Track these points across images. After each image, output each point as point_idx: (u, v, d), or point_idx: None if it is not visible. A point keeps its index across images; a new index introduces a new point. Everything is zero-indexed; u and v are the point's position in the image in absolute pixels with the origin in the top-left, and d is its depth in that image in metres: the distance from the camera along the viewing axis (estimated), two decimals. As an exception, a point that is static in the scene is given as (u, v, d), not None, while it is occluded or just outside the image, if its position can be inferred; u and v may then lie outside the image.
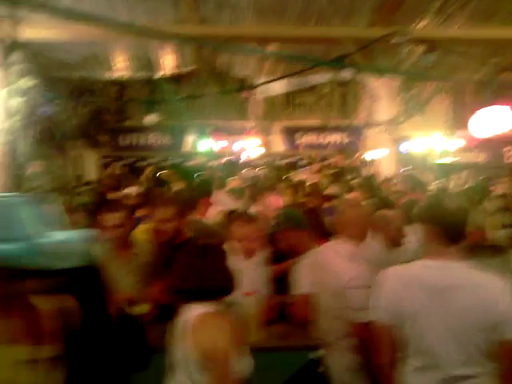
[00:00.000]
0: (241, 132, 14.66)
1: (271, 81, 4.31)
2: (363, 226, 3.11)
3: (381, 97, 5.90)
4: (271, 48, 4.22)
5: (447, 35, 3.91)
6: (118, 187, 6.93)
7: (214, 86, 4.45)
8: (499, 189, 8.48)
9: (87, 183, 7.20)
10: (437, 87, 4.92)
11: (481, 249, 6.34)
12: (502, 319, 2.02)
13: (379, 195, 6.55)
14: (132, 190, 6.96)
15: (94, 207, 4.47)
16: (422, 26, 3.91)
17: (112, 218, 3.55)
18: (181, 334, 2.24)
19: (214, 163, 15.83)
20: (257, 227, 3.83)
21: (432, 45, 3.70)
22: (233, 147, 14.90)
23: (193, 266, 2.40)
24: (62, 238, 1.37)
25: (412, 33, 3.67)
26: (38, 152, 3.11)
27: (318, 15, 3.68)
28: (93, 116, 4.15)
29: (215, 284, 2.42)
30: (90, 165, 14.90)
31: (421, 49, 3.80)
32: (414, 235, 3.72)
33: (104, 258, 3.55)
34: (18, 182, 3.37)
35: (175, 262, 2.58)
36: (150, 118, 3.94)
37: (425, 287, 2.18)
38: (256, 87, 3.99)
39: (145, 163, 13.86)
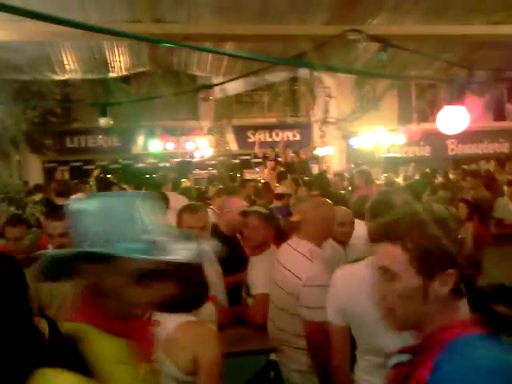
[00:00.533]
0: (193, 132, 14.51)
1: (229, 80, 4.26)
2: (326, 226, 3.10)
3: (335, 94, 5.99)
4: (229, 47, 4.16)
5: (401, 32, 3.98)
6: (66, 193, 6.67)
7: (169, 87, 4.37)
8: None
9: (37, 188, 6.89)
10: (389, 84, 5.02)
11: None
12: None
13: (330, 191, 6.63)
14: (80, 196, 6.75)
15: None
16: (377, 23, 3.96)
17: (57, 227, 3.38)
18: (164, 345, 2.17)
19: (166, 164, 15.66)
20: (202, 217, 3.78)
21: (386, 42, 3.74)
22: (185, 147, 14.74)
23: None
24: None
25: (367, 30, 3.69)
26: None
27: (275, 14, 3.66)
28: (40, 119, 3.95)
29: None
30: (35, 170, 14.36)
31: (375, 46, 3.83)
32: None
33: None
34: None
35: None
36: (105, 121, 3.80)
37: (368, 287, 2.20)
38: (212, 87, 3.91)
39: (93, 166, 13.49)
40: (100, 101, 4.49)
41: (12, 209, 3.13)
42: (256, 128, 15.66)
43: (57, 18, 2.43)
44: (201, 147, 14.52)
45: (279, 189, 7.57)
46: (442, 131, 2.99)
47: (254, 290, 3.49)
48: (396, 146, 17.18)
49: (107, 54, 4.07)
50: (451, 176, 10.56)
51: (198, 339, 2.19)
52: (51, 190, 6.81)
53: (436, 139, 15.43)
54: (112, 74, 4.26)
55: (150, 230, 1.24)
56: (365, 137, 13.71)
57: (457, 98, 2.55)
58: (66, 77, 4.33)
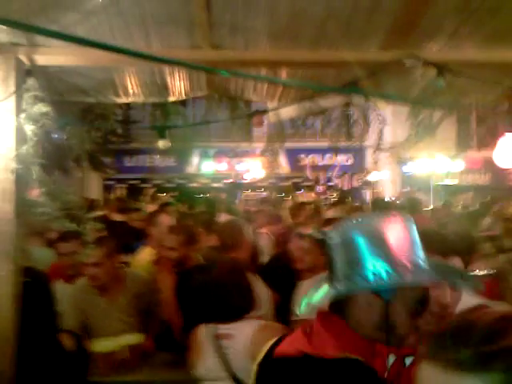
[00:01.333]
0: (244, 153, 14.72)
1: (283, 106, 4.33)
2: None
3: (389, 120, 5.92)
4: (284, 73, 4.25)
5: (459, 57, 3.92)
6: (124, 210, 6.92)
7: (224, 111, 4.49)
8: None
9: (94, 204, 7.14)
10: (447, 111, 4.93)
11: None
12: None
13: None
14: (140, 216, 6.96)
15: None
16: (435, 48, 3.92)
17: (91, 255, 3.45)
18: (243, 352, 2.27)
19: (219, 185, 15.93)
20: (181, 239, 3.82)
21: (444, 68, 3.70)
22: (237, 169, 14.98)
23: (240, 286, 2.45)
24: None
25: (424, 55, 3.66)
26: (47, 178, 3.09)
27: (330, 40, 3.70)
28: (102, 139, 4.16)
29: (249, 301, 2.47)
30: (94, 187, 14.96)
31: (432, 72, 3.79)
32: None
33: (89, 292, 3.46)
34: (27, 209, 3.36)
35: (206, 283, 2.59)
36: (163, 143, 3.95)
37: None
38: (266, 113, 3.99)
39: (149, 185, 13.91)
40: (158, 123, 4.67)
41: (73, 225, 3.28)
42: (308, 151, 15.72)
43: (119, 48, 2.58)
44: (252, 169, 14.72)
45: (329, 213, 7.54)
46: (497, 164, 2.91)
47: (298, 315, 3.48)
48: (454, 173, 16.72)
49: (168, 78, 4.24)
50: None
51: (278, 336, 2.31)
52: (112, 206, 7.08)
53: (497, 167, 14.85)
54: (171, 98, 4.44)
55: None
56: (420, 162, 13.43)
57: None
58: (129, 100, 4.55)
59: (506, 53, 3.85)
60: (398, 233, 1.21)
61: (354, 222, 1.28)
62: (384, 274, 1.16)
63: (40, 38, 3.50)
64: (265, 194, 15.66)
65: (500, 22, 3.56)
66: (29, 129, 3.40)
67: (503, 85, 4.24)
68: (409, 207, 7.94)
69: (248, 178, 15.33)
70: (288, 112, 4.82)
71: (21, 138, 3.35)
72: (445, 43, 3.86)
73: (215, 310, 2.47)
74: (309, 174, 14.89)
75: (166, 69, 4.10)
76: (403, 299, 1.20)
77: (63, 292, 3.55)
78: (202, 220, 4.62)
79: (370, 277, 1.17)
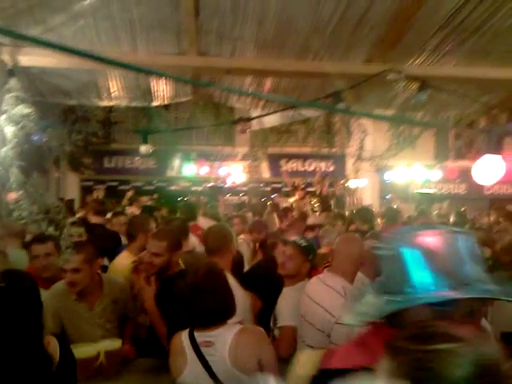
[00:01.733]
0: (226, 158, 14.71)
1: (266, 114, 4.36)
2: (358, 263, 3.12)
3: (370, 130, 6.02)
4: (268, 81, 4.27)
5: (440, 73, 4.00)
6: (102, 212, 6.82)
7: (208, 116, 4.50)
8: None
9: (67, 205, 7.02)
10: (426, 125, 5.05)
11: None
12: None
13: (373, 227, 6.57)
14: (121, 220, 6.91)
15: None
16: (417, 63, 3.99)
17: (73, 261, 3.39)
18: (225, 357, 2.29)
19: (199, 188, 15.85)
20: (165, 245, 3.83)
21: (426, 82, 3.77)
22: (218, 172, 14.94)
23: (217, 291, 2.46)
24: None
25: (406, 70, 3.73)
26: (26, 180, 3.06)
27: (316, 51, 3.74)
28: (83, 141, 4.12)
29: (228, 306, 2.49)
30: (71, 187, 14.75)
31: (415, 86, 3.86)
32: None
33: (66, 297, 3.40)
34: (7, 212, 3.31)
35: (189, 289, 2.59)
36: (145, 148, 3.93)
37: None
38: (250, 120, 4.01)
39: (128, 187, 13.77)
40: (141, 126, 4.65)
41: (50, 229, 3.24)
42: (290, 157, 15.77)
43: (95, 56, 2.59)
44: (234, 173, 14.70)
45: (311, 219, 7.56)
46: (477, 181, 2.98)
47: (280, 322, 3.49)
48: (431, 182, 16.97)
49: (152, 83, 4.23)
50: (491, 217, 10.33)
51: (258, 342, 2.33)
52: (89, 209, 6.99)
53: (472, 177, 15.09)
54: (155, 103, 4.42)
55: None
56: (399, 171, 13.61)
57: (494, 147, 2.55)
58: (112, 103, 4.52)
59: (485, 70, 3.95)
60: (449, 247, 1.24)
61: (405, 233, 1.30)
62: (435, 287, 1.18)
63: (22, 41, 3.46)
64: (245, 198, 15.67)
65: (480, 41, 3.64)
66: (9, 130, 3.35)
67: (481, 101, 4.34)
68: (388, 216, 8.01)
69: (229, 182, 15.31)
70: (271, 120, 4.86)
71: (0, 139, 3.30)
72: (426, 59, 3.94)
73: (194, 315, 2.47)
74: (285, 179, 14.94)
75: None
76: (454, 312, 1.22)
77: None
78: (179, 225, 4.59)
79: (422, 290, 1.19)
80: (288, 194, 14.95)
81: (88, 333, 3.43)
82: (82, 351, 3.17)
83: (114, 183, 15.01)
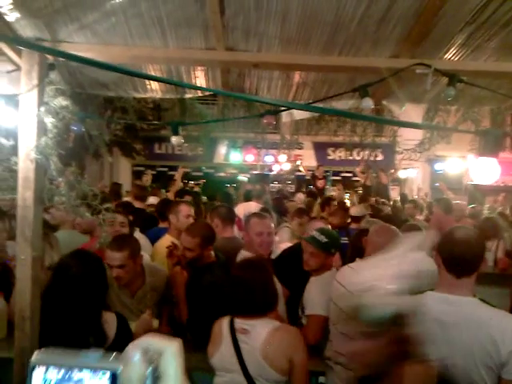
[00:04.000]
0: (273, 146, 14.81)
1: (294, 108, 4.43)
2: None
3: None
4: (296, 75, 4.35)
5: (471, 68, 3.94)
6: (143, 197, 7.12)
7: (240, 108, 4.63)
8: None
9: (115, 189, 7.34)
10: (462, 117, 4.95)
11: (510, 278, 6.27)
12: (508, 359, 2.04)
13: (397, 218, 6.53)
14: (154, 200, 7.19)
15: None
16: (446, 58, 3.95)
17: (115, 258, 3.61)
18: (257, 349, 2.47)
19: (245, 175, 16.07)
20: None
21: (455, 77, 3.73)
22: (264, 160, 15.08)
23: (260, 284, 2.63)
24: None
25: (435, 64, 3.70)
26: (65, 168, 3.30)
27: (342, 46, 3.78)
28: (123, 132, 4.35)
29: (273, 299, 2.64)
30: (125, 172, 15.33)
31: (445, 80, 3.83)
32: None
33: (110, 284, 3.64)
34: (49, 197, 3.56)
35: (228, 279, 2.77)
36: (176, 139, 4.12)
37: (432, 321, 2.22)
38: (277, 113, 4.10)
39: (180, 170, 14.14)
40: (177, 118, 4.85)
41: (88, 214, 3.49)
42: (337, 146, 15.67)
43: (116, 68, 2.80)
44: (280, 161, 14.80)
45: (353, 210, 7.58)
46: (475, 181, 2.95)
47: (308, 311, 3.61)
48: (484, 173, 16.35)
49: (184, 76, 4.39)
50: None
51: (291, 342, 2.49)
52: (132, 193, 7.31)
53: (530, 169, 14.56)
54: (188, 95, 4.61)
55: None
56: (451, 161, 13.24)
57: (491, 150, 2.53)
58: (147, 95, 4.74)
59: (516, 65, 3.85)
60: None
61: None
62: None
63: (63, 34, 3.71)
64: (291, 186, 15.75)
65: (508, 36, 3.57)
66: (49, 121, 3.61)
67: (515, 95, 4.24)
68: (443, 206, 7.85)
69: (275, 169, 15.44)
70: (300, 113, 4.92)
71: (41, 129, 3.55)
72: (456, 53, 3.89)
73: (235, 303, 2.61)
74: (304, 170, 14.86)
75: (182, 68, 4.25)
76: None
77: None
78: (220, 212, 4.77)
79: None
80: (335, 184, 14.92)
81: (131, 317, 3.69)
82: None
83: (164, 169, 15.51)
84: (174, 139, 4.19)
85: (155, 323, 3.53)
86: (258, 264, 2.75)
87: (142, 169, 14.91)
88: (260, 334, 2.56)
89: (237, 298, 2.66)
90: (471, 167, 3.06)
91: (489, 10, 3.35)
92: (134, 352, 1.00)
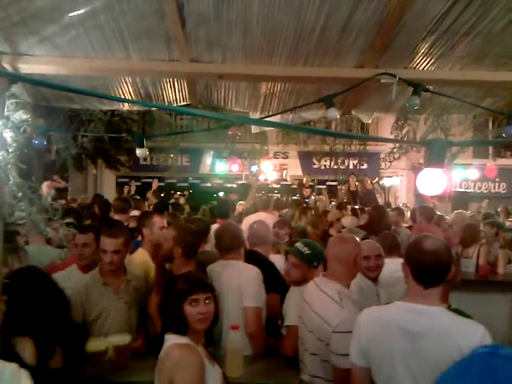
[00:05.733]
0: (258, 155, 14.81)
1: (265, 117, 4.42)
2: (352, 264, 3.05)
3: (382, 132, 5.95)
4: (263, 86, 4.34)
5: (435, 77, 3.95)
6: (124, 210, 7.03)
7: (208, 120, 4.60)
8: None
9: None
10: (431, 125, 4.95)
11: (491, 284, 6.29)
12: None
13: (380, 225, 6.51)
14: (137, 213, 7.09)
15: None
16: (411, 67, 3.95)
17: (111, 244, 3.70)
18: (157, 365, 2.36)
19: (232, 185, 16.07)
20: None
21: (420, 86, 3.73)
22: (250, 170, 15.07)
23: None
24: None
25: (400, 74, 3.70)
26: (25, 183, 3.24)
27: (307, 56, 3.77)
28: (91, 145, 4.30)
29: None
30: (109, 184, 15.26)
31: (411, 90, 3.82)
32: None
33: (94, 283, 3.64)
34: (9, 212, 3.49)
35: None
36: (141, 152, 4.07)
37: (400, 331, 2.19)
38: (242, 124, 4.08)
39: (163, 183, 14.08)
40: (143, 131, 4.81)
41: (48, 230, 3.44)
42: (322, 155, 15.70)
43: (74, 89, 2.75)
44: (265, 171, 14.79)
45: (346, 222, 7.54)
46: (422, 192, 2.95)
47: (286, 321, 3.54)
48: (468, 180, 16.46)
49: (150, 88, 4.36)
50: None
51: (176, 362, 2.28)
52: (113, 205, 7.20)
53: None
54: (154, 108, 4.57)
55: None
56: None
57: (436, 160, 2.51)
58: (114, 108, 4.70)
59: (481, 73, 3.86)
60: None
61: None
62: None
63: (23, 47, 3.67)
64: (277, 195, 15.73)
65: (472, 44, 3.58)
66: (9, 135, 3.56)
67: (483, 104, 4.24)
68: (425, 215, 7.86)
69: (260, 179, 15.42)
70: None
71: (1, 144, 3.49)
72: (420, 63, 3.89)
73: None
74: (290, 179, 14.93)
75: (148, 79, 4.22)
76: None
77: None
78: (198, 226, 4.69)
79: None
80: (320, 192, 14.94)
81: (113, 319, 3.66)
82: (91, 345, 3.34)
83: (149, 180, 15.42)
84: (139, 152, 4.15)
85: (127, 338, 3.47)
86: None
87: (126, 180, 14.84)
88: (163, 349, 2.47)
89: None
90: (418, 179, 3.03)
91: (449, 20, 3.36)
92: None
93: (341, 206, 9.32)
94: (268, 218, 6.26)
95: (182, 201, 12.64)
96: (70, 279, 3.98)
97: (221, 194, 14.68)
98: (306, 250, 3.57)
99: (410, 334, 2.18)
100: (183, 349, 2.30)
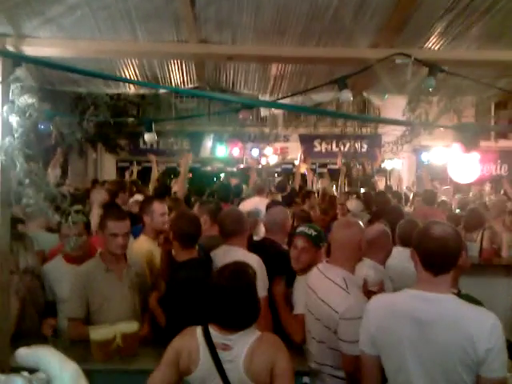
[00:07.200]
0: (259, 139, 14.71)
1: (274, 100, 4.31)
2: (356, 248, 3.01)
3: (387, 115, 5.85)
4: (273, 67, 4.22)
5: (451, 57, 3.84)
6: (116, 194, 6.89)
7: (217, 103, 4.48)
8: None
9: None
10: (444, 107, 4.86)
11: (494, 268, 6.25)
12: (486, 357, 1.97)
13: (388, 209, 6.46)
14: (140, 197, 6.99)
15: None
16: (427, 47, 3.84)
17: (122, 226, 3.64)
18: (239, 364, 2.29)
19: (232, 169, 15.97)
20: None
21: (435, 67, 3.63)
22: (251, 154, 14.98)
23: (248, 297, 2.51)
24: None
25: (415, 54, 3.60)
26: (31, 169, 3.15)
27: (318, 36, 3.65)
28: (96, 129, 4.21)
29: (256, 313, 2.46)
30: (109, 168, 15.14)
31: (426, 70, 3.72)
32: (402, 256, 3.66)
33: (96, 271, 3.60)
34: (17, 199, 3.42)
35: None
36: (149, 136, 3.98)
37: (409, 319, 2.14)
38: (253, 108, 3.98)
39: (163, 167, 13.97)
40: (150, 115, 4.69)
41: (56, 217, 3.35)
42: (323, 138, 15.60)
43: (77, 69, 2.64)
44: (267, 154, 14.69)
45: (350, 205, 7.49)
46: (454, 179, 2.87)
47: (295, 310, 3.51)
48: (465, 171, 16.35)
49: (158, 71, 4.25)
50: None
51: (273, 353, 2.28)
52: (105, 189, 7.10)
53: (514, 158, 14.57)
54: (163, 90, 4.45)
55: None
56: (436, 151, 13.21)
57: (470, 146, 2.43)
58: (120, 91, 4.59)
59: (498, 53, 3.76)
60: None
61: None
62: None
63: (26, 29, 3.54)
64: (279, 179, 15.63)
65: (490, 23, 3.47)
66: (14, 120, 3.45)
67: (498, 85, 4.14)
68: (424, 198, 7.84)
69: (262, 163, 15.31)
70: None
71: (6, 129, 3.40)
72: (436, 42, 3.78)
73: (217, 315, 2.38)
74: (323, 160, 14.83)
75: (155, 62, 4.11)
76: None
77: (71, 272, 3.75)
78: (208, 208, 4.63)
79: None
80: (322, 176, 14.87)
81: (118, 305, 3.61)
82: (99, 333, 3.29)
83: (149, 164, 15.30)
84: (147, 136, 4.05)
85: (135, 326, 3.42)
86: (244, 272, 2.49)
87: (127, 164, 14.71)
88: (242, 348, 2.36)
89: (219, 310, 2.44)
90: (450, 165, 2.94)
91: (468, -3, 3.24)
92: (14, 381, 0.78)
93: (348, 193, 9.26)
94: (262, 202, 6.22)
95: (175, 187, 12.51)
96: (59, 271, 3.93)
97: (222, 176, 14.59)
98: (313, 232, 3.56)
99: (419, 323, 2.15)
100: (275, 339, 2.48)
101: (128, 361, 3.33)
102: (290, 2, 3.25)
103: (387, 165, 15.73)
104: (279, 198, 7.96)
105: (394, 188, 11.75)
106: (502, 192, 11.96)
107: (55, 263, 4.05)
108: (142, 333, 3.56)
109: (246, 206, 6.53)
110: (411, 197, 10.02)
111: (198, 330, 2.41)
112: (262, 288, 3.33)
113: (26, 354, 0.79)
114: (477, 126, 2.64)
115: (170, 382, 2.34)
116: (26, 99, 3.52)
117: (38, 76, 3.94)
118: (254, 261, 3.43)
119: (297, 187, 9.40)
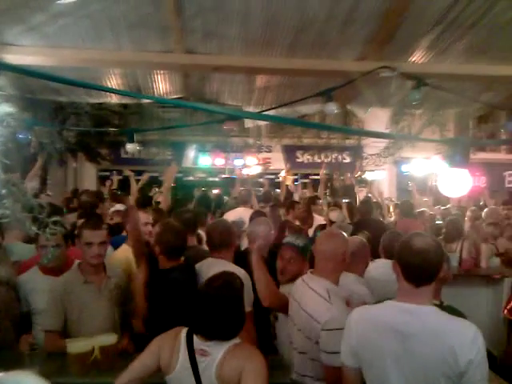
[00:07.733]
0: (241, 149, 14.65)
1: (258, 111, 4.28)
2: (340, 260, 2.96)
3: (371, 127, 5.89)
4: (259, 79, 4.20)
5: (435, 71, 3.86)
6: (95, 205, 6.73)
7: (201, 114, 4.44)
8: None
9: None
10: (427, 121, 4.89)
11: (474, 278, 6.22)
12: (467, 369, 1.95)
13: (371, 219, 6.43)
14: (121, 207, 6.84)
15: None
16: (413, 60, 3.86)
17: (96, 235, 3.50)
18: (213, 371, 2.23)
19: (214, 179, 15.84)
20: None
21: (421, 80, 3.64)
22: (233, 163, 14.89)
23: (230, 308, 2.43)
24: None
25: (400, 68, 3.61)
26: (8, 179, 3.05)
27: (305, 49, 3.64)
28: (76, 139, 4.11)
29: (240, 326, 2.40)
30: (90, 177, 14.90)
31: (410, 84, 3.74)
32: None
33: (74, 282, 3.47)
34: None
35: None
36: (132, 147, 3.90)
37: (391, 331, 2.10)
38: (237, 119, 3.95)
39: (144, 177, 13.77)
40: (132, 125, 4.62)
41: (34, 228, 3.23)
42: (306, 148, 15.61)
43: (58, 78, 2.59)
44: (249, 164, 14.63)
45: (333, 216, 7.44)
46: (445, 194, 2.86)
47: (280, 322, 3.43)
48: (456, 186, 16.49)
49: (140, 81, 4.19)
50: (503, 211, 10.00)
51: (245, 356, 2.20)
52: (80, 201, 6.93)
53: (492, 170, 14.83)
54: (146, 100, 4.39)
55: None
56: (417, 163, 13.32)
57: (460, 160, 2.42)
58: (102, 100, 4.51)
59: (483, 67, 3.79)
60: None
61: None
62: None
63: (9, 36, 3.46)
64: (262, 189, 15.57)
65: (476, 38, 3.50)
66: (-8, 129, 3.35)
67: (481, 99, 4.18)
68: (402, 209, 7.85)
69: (244, 173, 15.23)
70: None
71: (-16, 138, 3.29)
72: (422, 56, 3.80)
73: (206, 326, 2.37)
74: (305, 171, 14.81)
75: (138, 72, 4.05)
76: None
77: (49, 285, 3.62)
78: (186, 219, 4.52)
79: None
80: (305, 186, 14.86)
81: (96, 317, 3.48)
82: (76, 346, 3.18)
83: (131, 173, 15.10)
84: (130, 146, 3.97)
85: (113, 338, 3.32)
86: (233, 284, 2.46)
87: (108, 174, 14.48)
88: (217, 354, 2.35)
89: (204, 320, 2.42)
90: (439, 179, 2.95)
91: (455, 11, 3.26)
92: None
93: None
94: (247, 213, 6.14)
95: (160, 198, 12.33)
96: (35, 282, 3.81)
97: (207, 187, 14.48)
98: (300, 243, 3.50)
99: (401, 335, 2.11)
100: (249, 347, 2.42)
101: (106, 374, 3.22)
102: (279, 14, 3.24)
103: (368, 176, 15.81)
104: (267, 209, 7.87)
105: (375, 199, 11.78)
106: (481, 203, 12.12)
107: (31, 274, 3.92)
108: (121, 345, 3.46)
109: (230, 216, 6.44)
110: (391, 208, 10.06)
111: (183, 332, 2.41)
112: (247, 303, 3.26)
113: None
114: (468, 140, 2.66)
115: (150, 371, 2.33)
116: (5, 108, 3.43)
117: (18, 84, 3.84)
118: (240, 275, 3.36)
119: (282, 198, 9.35)
